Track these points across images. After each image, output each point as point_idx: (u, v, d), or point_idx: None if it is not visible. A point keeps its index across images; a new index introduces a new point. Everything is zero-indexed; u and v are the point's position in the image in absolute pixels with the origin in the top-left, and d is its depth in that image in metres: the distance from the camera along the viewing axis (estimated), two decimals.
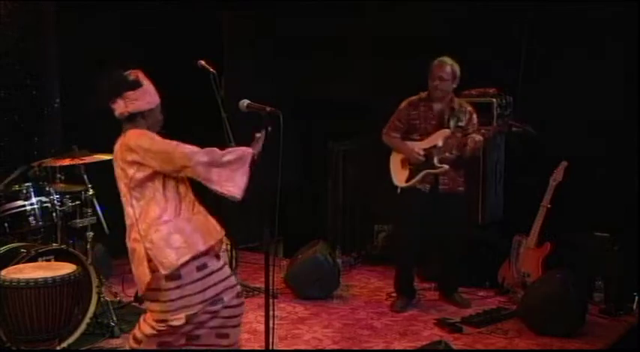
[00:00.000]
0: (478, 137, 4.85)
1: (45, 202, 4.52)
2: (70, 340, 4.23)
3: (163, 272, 3.17)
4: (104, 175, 3.91)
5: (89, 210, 4.72)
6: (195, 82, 4.85)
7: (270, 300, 3.33)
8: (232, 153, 3.27)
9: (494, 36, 5.86)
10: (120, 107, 3.28)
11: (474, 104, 5.23)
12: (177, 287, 3.19)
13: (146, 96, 3.30)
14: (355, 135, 6.81)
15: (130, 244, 3.28)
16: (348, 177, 6.96)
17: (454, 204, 5.07)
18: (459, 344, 4.43)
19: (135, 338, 3.33)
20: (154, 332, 3.24)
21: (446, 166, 4.95)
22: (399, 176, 5.11)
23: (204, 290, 3.24)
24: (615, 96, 5.37)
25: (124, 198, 3.28)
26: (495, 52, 5.83)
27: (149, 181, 3.22)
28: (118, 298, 5.11)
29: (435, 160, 4.97)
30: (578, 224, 5.35)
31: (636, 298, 5.06)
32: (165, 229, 3.20)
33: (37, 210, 4.50)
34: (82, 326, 4.33)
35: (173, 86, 3.58)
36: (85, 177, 4.65)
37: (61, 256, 4.29)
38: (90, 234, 4.75)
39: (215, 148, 3.26)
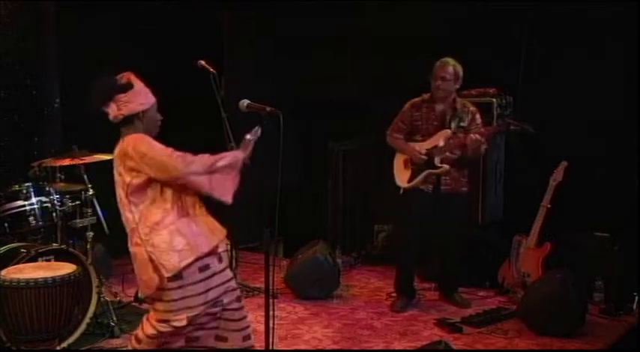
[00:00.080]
0: (475, 136, 4.85)
1: (45, 202, 4.53)
2: (70, 340, 4.23)
3: (166, 275, 3.16)
4: (104, 175, 3.91)
5: (89, 210, 4.72)
6: (195, 81, 4.84)
7: (270, 300, 3.33)
8: (224, 159, 3.26)
9: (494, 36, 5.86)
10: (113, 111, 3.27)
11: (475, 104, 5.23)
12: (180, 287, 3.19)
13: (138, 98, 3.28)
14: (355, 135, 6.81)
15: (131, 249, 3.27)
16: (348, 177, 6.97)
17: (456, 205, 5.07)
18: (459, 344, 4.44)
19: (137, 339, 3.33)
20: (155, 332, 3.24)
21: (447, 166, 4.95)
22: (402, 177, 5.13)
23: (207, 291, 3.23)
24: (615, 96, 5.37)
25: (122, 204, 3.27)
26: (495, 52, 5.83)
27: (147, 186, 3.21)
28: (118, 298, 5.12)
29: (436, 160, 4.97)
30: (578, 224, 5.35)
31: (636, 298, 5.06)
32: (166, 232, 3.19)
33: (37, 210, 4.50)
34: (82, 326, 4.33)
35: (173, 86, 3.58)
36: (85, 177, 4.65)
37: (61, 256, 4.29)
38: (90, 234, 4.75)
39: (206, 155, 3.24)
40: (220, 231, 3.38)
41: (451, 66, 4.97)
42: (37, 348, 4.02)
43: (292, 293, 5.47)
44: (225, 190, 3.24)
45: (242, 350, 3.42)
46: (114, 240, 4.24)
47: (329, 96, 6.65)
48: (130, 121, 3.28)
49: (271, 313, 3.31)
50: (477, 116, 5.05)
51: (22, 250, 4.23)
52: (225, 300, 3.32)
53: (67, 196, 4.65)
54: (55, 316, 3.97)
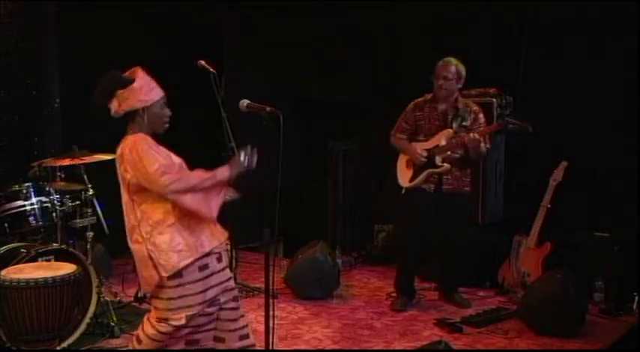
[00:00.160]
0: (474, 135, 4.85)
1: (45, 202, 4.52)
2: (70, 340, 4.22)
3: (164, 274, 3.16)
4: (104, 175, 3.92)
5: (89, 210, 4.71)
6: (195, 81, 4.85)
7: (270, 300, 3.33)
8: (209, 179, 3.22)
9: (494, 36, 5.86)
10: (114, 106, 3.26)
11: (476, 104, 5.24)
12: (179, 285, 3.19)
13: (138, 94, 3.24)
14: (355, 135, 6.81)
15: (132, 246, 3.28)
16: (348, 177, 6.97)
17: (457, 204, 5.07)
18: (459, 344, 4.43)
19: (138, 339, 3.34)
20: (155, 331, 3.24)
21: (447, 165, 4.96)
22: (404, 176, 5.14)
23: (205, 290, 3.24)
24: (615, 96, 5.37)
25: (125, 202, 3.27)
26: (495, 52, 5.83)
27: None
28: (118, 298, 5.11)
29: (438, 160, 4.98)
30: (578, 224, 5.35)
31: (636, 298, 5.05)
32: (168, 231, 3.19)
33: (37, 210, 4.50)
34: (82, 326, 4.32)
35: (173, 86, 3.57)
36: (85, 177, 4.65)
37: (61, 256, 4.28)
38: (90, 234, 4.74)
39: (195, 173, 3.22)
40: (221, 234, 3.37)
41: (453, 65, 4.97)
42: (37, 348, 4.02)
43: (292, 293, 5.47)
44: (209, 209, 3.23)
45: (242, 350, 3.43)
46: (114, 240, 4.24)
47: (329, 96, 6.65)
48: (131, 117, 3.27)
49: (271, 313, 3.31)
50: (480, 116, 5.06)
51: (22, 250, 4.23)
52: (223, 299, 3.33)
53: (67, 196, 4.64)
54: (55, 316, 3.97)
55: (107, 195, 4.29)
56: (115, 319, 4.53)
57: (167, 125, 3.36)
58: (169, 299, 3.21)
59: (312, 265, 5.40)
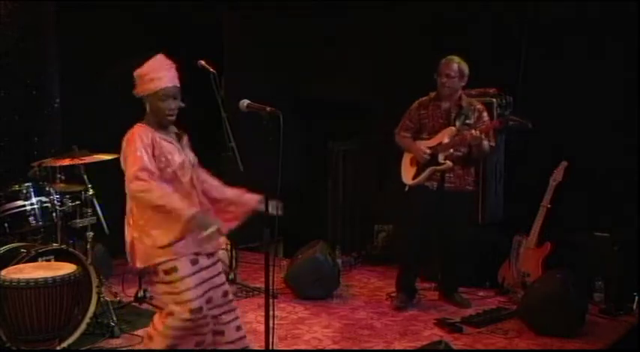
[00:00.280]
0: (475, 132, 4.85)
1: (45, 202, 4.52)
2: (70, 340, 4.22)
3: (137, 265, 3.29)
4: (104, 175, 3.92)
5: (89, 210, 4.71)
6: (195, 81, 4.84)
7: (270, 300, 3.33)
8: (175, 210, 3.21)
9: (494, 36, 5.86)
10: (135, 89, 3.39)
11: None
12: (180, 279, 3.27)
13: (142, 82, 3.37)
14: (355, 135, 6.81)
15: (126, 226, 3.39)
16: (348, 177, 6.97)
17: (459, 203, 5.07)
18: (459, 344, 4.43)
19: (148, 336, 3.43)
20: (163, 327, 3.32)
21: (449, 163, 4.96)
22: (408, 174, 5.16)
23: (201, 283, 3.33)
24: (615, 96, 5.37)
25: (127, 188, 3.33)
26: (495, 52, 5.83)
27: None
28: (118, 298, 5.11)
29: (440, 157, 4.99)
30: (578, 224, 5.35)
31: (636, 298, 5.05)
32: (156, 227, 3.26)
33: (37, 210, 4.50)
34: (82, 326, 4.32)
35: None
36: (85, 177, 4.64)
37: (61, 256, 4.28)
38: (90, 234, 4.74)
39: (165, 193, 3.22)
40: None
41: (456, 63, 4.98)
42: (37, 348, 4.02)
43: (292, 293, 5.47)
44: (165, 230, 3.26)
45: (242, 351, 3.48)
46: (114, 240, 4.24)
47: (329, 96, 6.65)
48: (144, 103, 3.36)
49: (271, 313, 3.31)
50: (484, 114, 5.07)
51: (22, 250, 4.23)
52: (214, 296, 3.42)
53: (67, 196, 4.64)
54: (55, 316, 3.96)
55: (107, 195, 4.29)
56: (115, 319, 4.53)
57: (171, 118, 3.39)
58: (173, 293, 3.29)
59: (312, 265, 5.40)
